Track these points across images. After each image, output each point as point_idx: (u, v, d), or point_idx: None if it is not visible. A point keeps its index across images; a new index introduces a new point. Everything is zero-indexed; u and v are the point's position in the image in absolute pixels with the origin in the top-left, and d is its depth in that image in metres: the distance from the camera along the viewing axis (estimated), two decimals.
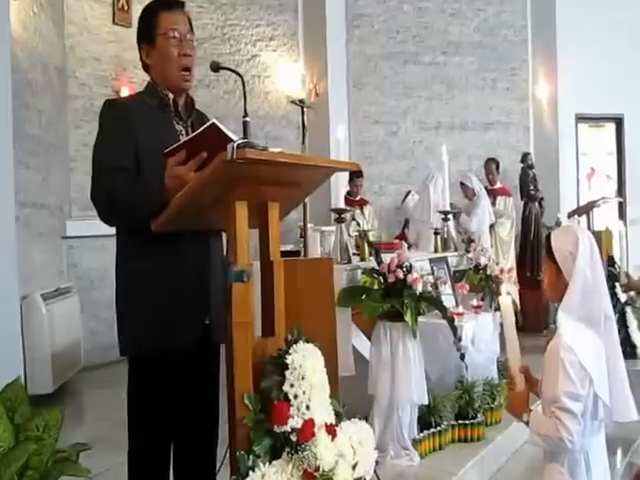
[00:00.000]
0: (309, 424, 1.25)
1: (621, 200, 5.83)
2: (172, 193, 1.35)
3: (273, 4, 5.28)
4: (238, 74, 1.51)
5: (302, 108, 2.53)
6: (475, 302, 2.88)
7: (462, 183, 4.77)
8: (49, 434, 1.41)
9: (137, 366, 1.50)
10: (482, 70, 5.59)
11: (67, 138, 4.32)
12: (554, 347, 1.25)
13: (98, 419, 3.11)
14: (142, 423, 1.49)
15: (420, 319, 2.31)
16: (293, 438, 1.25)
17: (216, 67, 1.56)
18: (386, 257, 2.34)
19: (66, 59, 4.41)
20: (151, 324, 1.45)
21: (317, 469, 1.23)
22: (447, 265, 2.99)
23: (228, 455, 1.34)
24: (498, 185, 5.17)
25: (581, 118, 5.84)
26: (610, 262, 3.84)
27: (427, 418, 2.37)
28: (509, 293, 3.16)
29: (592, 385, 1.23)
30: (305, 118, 2.55)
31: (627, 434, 2.48)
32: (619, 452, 2.55)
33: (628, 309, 3.82)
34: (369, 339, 2.35)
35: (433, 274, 2.71)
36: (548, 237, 1.35)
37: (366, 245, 2.58)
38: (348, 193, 4.76)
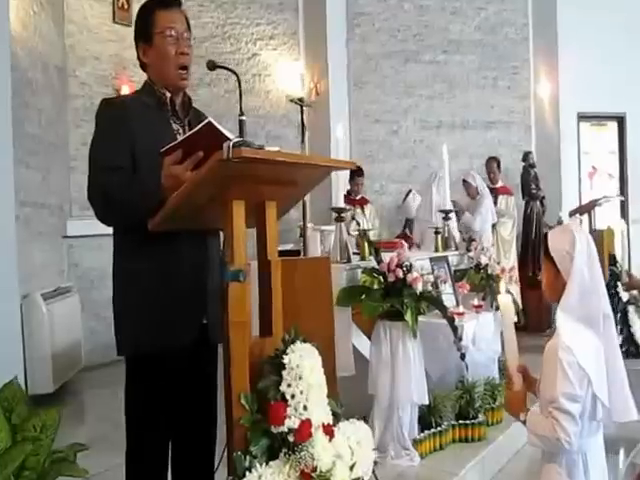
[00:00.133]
0: (306, 424, 1.24)
1: (623, 199, 5.81)
2: (169, 192, 1.35)
3: (273, 3, 5.27)
4: (234, 72, 1.51)
5: (301, 107, 2.52)
6: (476, 302, 2.87)
7: (465, 181, 4.75)
8: (46, 434, 1.40)
9: (134, 365, 1.50)
10: (483, 69, 5.57)
11: (67, 137, 4.32)
12: (553, 347, 1.25)
13: (98, 419, 3.11)
14: (140, 422, 1.48)
15: (420, 319, 2.30)
16: (290, 438, 1.24)
17: (212, 66, 1.55)
18: (386, 256, 2.33)
19: (66, 58, 4.41)
20: (148, 323, 1.45)
21: (314, 470, 1.23)
22: (448, 264, 2.98)
23: (226, 455, 1.33)
24: (499, 184, 5.15)
25: (583, 117, 5.82)
26: (612, 261, 3.82)
27: (427, 418, 2.36)
28: (509, 292, 3.15)
29: (590, 386, 1.22)
30: (304, 117, 2.54)
31: (629, 434, 2.46)
32: (621, 452, 2.54)
33: (630, 308, 3.80)
34: (369, 339, 2.34)
35: (433, 273, 2.70)
36: (545, 237, 1.34)
37: (366, 244, 2.57)
38: (349, 192, 4.75)
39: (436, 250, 3.18)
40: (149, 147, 1.42)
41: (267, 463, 1.24)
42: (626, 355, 3.61)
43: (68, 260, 4.23)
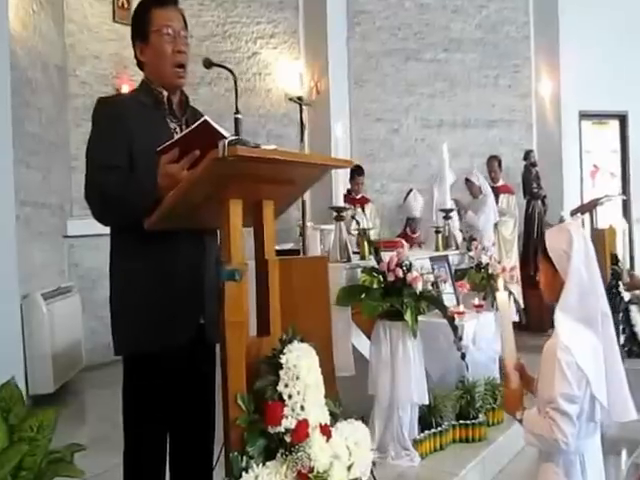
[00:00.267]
0: (303, 425, 1.23)
1: (625, 198, 5.77)
2: (165, 191, 1.34)
3: (274, 1, 5.26)
4: (230, 71, 1.50)
5: (300, 105, 2.51)
6: (476, 301, 2.85)
7: (468, 180, 4.73)
8: (43, 434, 1.40)
9: (132, 365, 1.49)
10: (484, 67, 5.55)
11: (68, 137, 4.32)
12: (551, 347, 1.24)
13: (99, 419, 3.10)
14: (137, 422, 1.48)
15: (420, 318, 2.29)
16: (287, 439, 1.23)
17: (208, 64, 1.54)
18: (387, 256, 2.32)
19: (66, 57, 4.42)
20: (145, 323, 1.44)
21: (311, 470, 1.22)
22: (448, 263, 2.97)
23: (223, 456, 1.33)
24: (500, 183, 5.13)
25: (584, 115, 5.79)
26: (613, 260, 3.80)
27: (428, 418, 2.35)
28: (508, 290, 3.14)
29: (589, 386, 1.22)
30: (303, 115, 2.54)
31: (631, 435, 2.44)
32: (624, 453, 2.52)
33: (633, 307, 3.77)
34: (369, 338, 2.33)
35: (433, 273, 2.68)
36: (543, 236, 1.33)
37: (366, 243, 2.56)
38: (349, 191, 4.73)
39: (437, 249, 3.17)
40: (146, 146, 1.41)
41: (264, 464, 1.23)
42: (628, 355, 3.58)
43: (69, 260, 4.23)
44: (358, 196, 4.89)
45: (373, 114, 5.39)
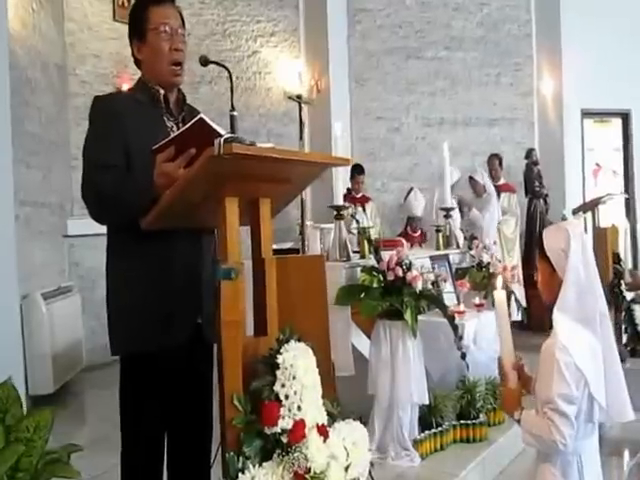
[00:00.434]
0: (300, 425, 1.22)
1: (628, 196, 5.73)
2: (161, 190, 1.34)
3: None
4: (226, 68, 1.49)
5: (299, 104, 2.50)
6: (477, 300, 2.84)
7: (472, 178, 4.71)
8: (39, 435, 1.39)
9: (129, 365, 1.49)
10: (486, 65, 5.52)
11: (68, 136, 4.32)
12: (550, 347, 1.23)
13: (99, 420, 3.08)
14: (134, 421, 1.47)
15: (421, 318, 2.28)
16: (284, 439, 1.22)
17: (205, 61, 1.53)
18: (387, 255, 2.30)
19: (66, 56, 4.41)
20: (142, 323, 1.44)
21: (308, 471, 1.21)
22: (448, 262, 2.95)
23: (220, 456, 1.32)
24: (502, 181, 5.11)
25: (586, 113, 5.75)
26: (615, 259, 3.77)
27: (428, 418, 2.34)
28: (509, 290, 3.10)
29: (587, 387, 1.21)
30: (303, 114, 2.53)
31: (633, 436, 2.42)
32: (626, 454, 2.50)
33: (636, 307, 3.75)
34: (369, 338, 2.32)
35: (434, 272, 2.67)
36: (541, 235, 1.32)
37: (366, 242, 2.55)
38: (349, 190, 4.72)
39: (437, 248, 3.15)
40: (142, 145, 1.41)
41: (260, 464, 1.22)
42: (631, 354, 3.56)
43: (69, 259, 4.23)
44: (358, 195, 4.87)
45: (374, 113, 5.37)
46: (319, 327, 1.77)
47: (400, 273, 2.22)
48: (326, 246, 2.66)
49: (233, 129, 1.41)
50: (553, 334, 1.23)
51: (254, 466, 1.21)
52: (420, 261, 2.58)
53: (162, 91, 1.52)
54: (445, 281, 2.70)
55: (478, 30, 5.53)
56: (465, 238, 3.27)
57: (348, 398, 1.98)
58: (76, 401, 3.53)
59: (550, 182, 5.28)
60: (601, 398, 1.22)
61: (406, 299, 2.19)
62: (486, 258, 3.04)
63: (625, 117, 5.91)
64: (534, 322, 4.25)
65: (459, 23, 5.49)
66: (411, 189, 4.99)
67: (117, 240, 1.50)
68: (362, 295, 2.25)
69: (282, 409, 1.23)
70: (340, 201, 2.54)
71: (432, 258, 2.85)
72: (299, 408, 1.24)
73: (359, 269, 2.38)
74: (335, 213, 2.48)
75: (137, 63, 1.57)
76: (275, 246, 2.49)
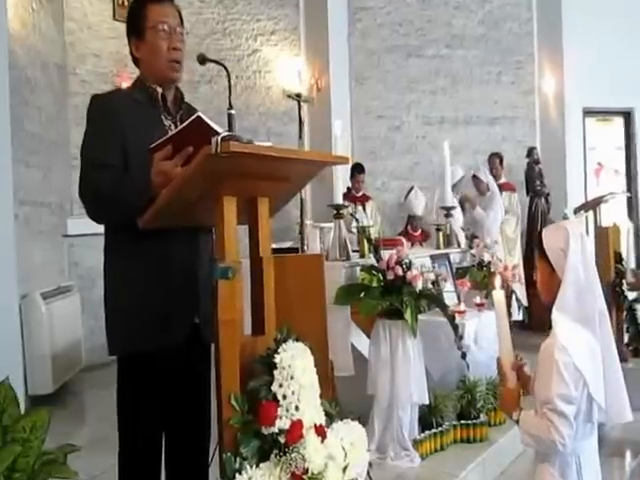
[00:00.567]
0: (297, 425, 1.21)
1: (630, 195, 5.70)
2: (159, 189, 1.33)
3: None
4: (223, 66, 1.48)
5: (299, 102, 2.49)
6: (478, 300, 2.82)
7: (476, 177, 4.68)
8: (36, 435, 1.38)
9: (126, 365, 1.49)
10: (487, 63, 5.50)
11: (68, 135, 4.32)
12: (549, 347, 1.21)
13: (98, 420, 3.07)
14: (132, 422, 1.47)
15: (421, 317, 2.27)
16: (281, 440, 1.21)
17: (203, 59, 1.53)
18: (387, 254, 2.29)
19: (66, 56, 4.41)
20: (140, 323, 1.43)
21: (305, 472, 1.20)
22: (449, 262, 2.94)
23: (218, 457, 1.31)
24: (502, 180, 5.08)
25: (588, 112, 5.73)
26: (617, 259, 3.75)
27: (428, 418, 2.32)
28: (510, 289, 3.08)
29: (586, 387, 1.19)
30: (302, 112, 2.52)
31: (635, 436, 2.40)
32: (627, 454, 2.48)
33: (639, 307, 3.73)
34: (369, 337, 2.31)
35: (434, 271, 2.65)
36: (540, 235, 1.30)
37: (365, 242, 2.53)
38: (349, 189, 4.71)
39: (437, 247, 3.13)
40: (140, 143, 1.40)
41: (257, 465, 1.21)
42: (634, 354, 3.54)
43: (68, 259, 4.22)
44: (359, 194, 4.86)
45: (374, 111, 5.35)
46: (317, 326, 1.76)
47: (400, 272, 2.21)
48: (326, 245, 2.65)
49: (231, 127, 1.40)
50: (552, 334, 1.22)
51: (251, 467, 1.20)
52: (420, 260, 2.57)
53: (160, 90, 1.52)
54: (445, 280, 2.69)
55: (479, 28, 5.50)
56: (466, 237, 3.25)
57: (348, 398, 1.97)
58: (75, 401, 3.52)
59: (551, 181, 5.26)
60: (600, 398, 1.21)
61: (406, 298, 2.18)
62: (487, 257, 3.02)
63: (628, 116, 5.88)
64: (535, 322, 4.23)
65: (460, 21, 5.47)
66: (412, 188, 4.98)
67: (114, 239, 1.49)
68: (362, 294, 2.24)
69: (279, 409, 1.22)
70: (340, 200, 2.53)
71: (432, 257, 2.84)
72: (297, 408, 1.23)
73: (359, 268, 2.37)
74: (335, 212, 2.47)
75: (135, 61, 1.57)
76: (274, 245, 2.48)
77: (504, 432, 2.47)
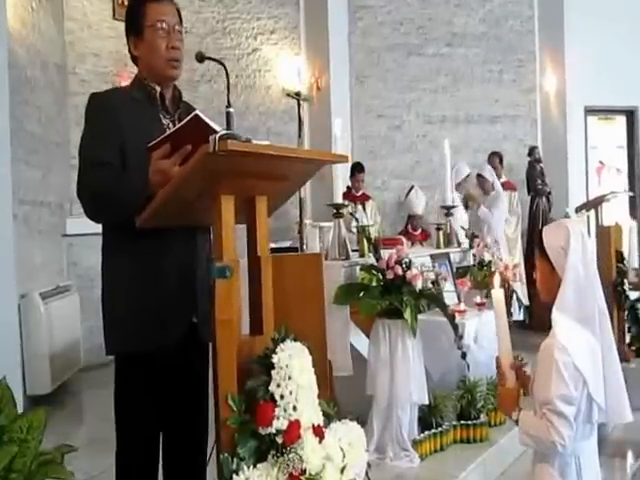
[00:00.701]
0: (295, 426, 1.20)
1: (632, 194, 5.68)
2: (157, 188, 1.32)
3: None
4: (222, 64, 1.47)
5: (298, 101, 2.48)
6: (478, 299, 2.81)
7: (480, 176, 4.65)
8: (32, 436, 1.37)
9: (124, 365, 1.48)
10: (488, 62, 5.48)
11: (68, 135, 4.31)
12: (548, 347, 1.20)
13: (97, 420, 3.05)
14: (130, 422, 1.46)
15: (421, 317, 2.26)
16: (279, 440, 1.20)
17: (201, 57, 1.51)
18: (387, 253, 2.28)
19: (66, 55, 4.40)
20: (137, 322, 1.43)
21: (303, 472, 1.19)
22: (449, 261, 2.93)
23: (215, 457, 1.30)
24: (503, 179, 5.06)
25: (590, 110, 5.70)
26: (619, 258, 3.73)
27: (428, 418, 2.31)
28: (511, 289, 3.07)
29: (586, 387, 1.18)
30: (302, 111, 2.51)
31: (637, 437, 2.39)
32: (629, 455, 2.47)
33: None
34: (368, 337, 2.30)
35: (434, 270, 2.64)
36: (540, 233, 1.29)
37: (365, 241, 2.52)
38: (349, 188, 4.69)
39: (438, 247, 3.12)
40: (138, 142, 1.40)
41: (255, 465, 1.20)
42: (636, 354, 3.52)
43: (67, 259, 4.22)
44: (358, 193, 4.85)
45: (374, 110, 5.33)
46: (316, 326, 1.75)
47: (400, 272, 2.20)
48: (325, 245, 2.64)
49: (229, 126, 1.39)
50: (552, 334, 1.21)
51: (248, 467, 1.19)
52: (420, 259, 2.56)
53: (158, 88, 1.51)
54: (445, 280, 2.67)
55: (480, 26, 5.48)
56: (466, 236, 3.24)
57: (346, 398, 1.96)
58: (74, 401, 3.51)
59: (553, 180, 5.24)
60: (600, 399, 1.20)
61: (406, 298, 2.17)
62: (487, 256, 3.01)
63: (631, 114, 5.85)
64: (535, 322, 4.21)
65: (461, 19, 5.45)
66: (412, 187, 4.97)
67: (112, 239, 1.49)
68: (361, 294, 2.23)
69: (277, 409, 1.21)
70: (339, 199, 2.51)
71: (432, 256, 2.83)
72: (294, 408, 1.22)
73: (358, 268, 2.36)
74: (334, 211, 2.46)
75: (133, 59, 1.56)
76: (274, 245, 2.48)
77: (504, 432, 2.46)
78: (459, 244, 3.25)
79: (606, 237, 3.80)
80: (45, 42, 4.03)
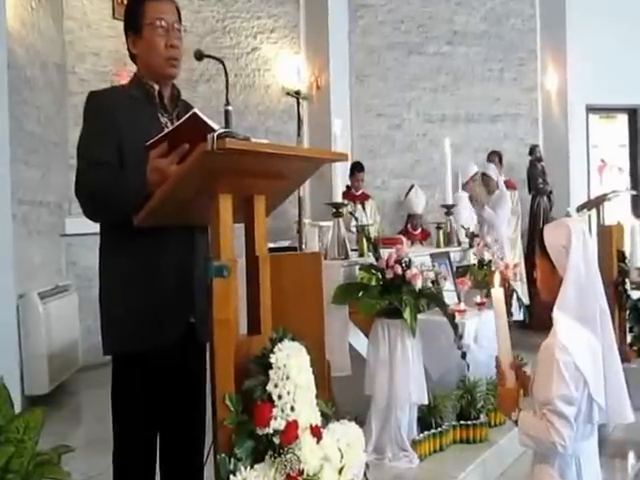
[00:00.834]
0: (292, 426, 1.19)
1: (635, 193, 5.65)
2: (155, 187, 1.32)
3: None
4: (220, 61, 1.46)
5: (297, 100, 2.47)
6: (479, 299, 2.80)
7: (485, 174, 4.63)
8: (29, 436, 1.37)
9: (121, 365, 1.48)
10: (489, 60, 5.46)
11: (67, 134, 4.30)
12: (549, 347, 1.19)
13: (95, 420, 3.04)
14: (127, 422, 1.46)
15: (421, 316, 2.25)
16: (276, 440, 1.19)
17: (200, 55, 1.51)
18: (386, 253, 2.27)
19: (65, 55, 4.39)
20: (134, 322, 1.42)
21: (301, 473, 1.18)
22: (449, 260, 2.92)
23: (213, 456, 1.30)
24: (503, 178, 5.04)
25: (592, 109, 5.68)
26: (620, 257, 3.72)
27: (427, 418, 2.30)
28: (512, 288, 3.05)
29: (587, 387, 1.17)
30: (302, 110, 2.50)
31: (638, 437, 2.37)
32: (630, 455, 2.45)
33: None
34: (367, 337, 2.29)
35: (434, 269, 2.63)
36: (541, 232, 1.28)
37: (365, 240, 2.51)
38: (349, 188, 4.68)
39: (438, 246, 3.11)
40: (136, 141, 1.39)
41: (252, 466, 1.19)
42: (638, 354, 3.50)
43: (66, 258, 4.21)
44: (358, 192, 4.84)
45: (374, 109, 5.32)
46: (315, 326, 1.74)
47: (399, 271, 2.19)
48: (324, 244, 2.63)
49: (228, 124, 1.38)
50: (552, 333, 1.19)
51: (245, 468, 1.19)
52: (420, 259, 2.55)
53: (156, 87, 1.51)
54: (445, 279, 2.66)
55: (481, 25, 5.46)
56: (466, 235, 3.23)
57: (345, 398, 1.95)
58: (72, 401, 3.49)
59: (554, 179, 5.22)
60: (600, 399, 1.18)
61: (405, 297, 2.16)
62: (487, 256, 3.00)
63: (633, 113, 5.83)
64: (535, 321, 4.19)
65: (462, 18, 5.43)
66: (412, 186, 4.95)
67: (110, 238, 1.48)
68: (360, 294, 2.22)
69: (275, 410, 1.20)
70: (339, 198, 2.50)
71: (432, 256, 2.81)
72: (292, 409, 1.21)
73: (357, 267, 2.35)
74: (334, 211, 2.45)
75: (132, 58, 1.56)
76: (273, 244, 2.47)
77: (504, 433, 2.45)
78: (459, 243, 3.24)
79: (607, 236, 3.78)
80: (45, 41, 4.02)
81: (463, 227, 3.29)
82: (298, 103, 2.46)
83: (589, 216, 4.64)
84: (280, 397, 1.21)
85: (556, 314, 1.21)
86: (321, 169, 1.49)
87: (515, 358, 1.33)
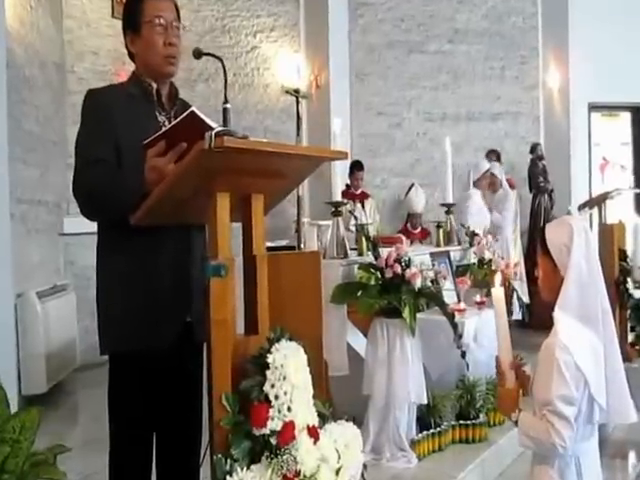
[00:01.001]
0: (289, 426, 1.18)
1: (638, 191, 5.63)
2: (152, 186, 1.31)
3: None
4: (219, 59, 1.46)
5: (297, 98, 2.46)
6: (478, 298, 2.79)
7: (491, 173, 4.60)
8: (25, 436, 1.36)
9: (117, 365, 1.47)
10: (490, 58, 5.44)
11: (66, 134, 4.29)
12: (550, 346, 1.18)
13: (92, 420, 3.03)
14: (123, 422, 1.45)
15: (420, 315, 2.24)
16: (273, 441, 1.18)
17: (198, 54, 1.50)
18: (386, 252, 2.26)
19: (64, 54, 4.38)
20: (131, 322, 1.42)
21: (297, 474, 1.17)
22: (449, 259, 2.90)
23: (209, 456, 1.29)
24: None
25: (594, 107, 5.66)
26: (622, 256, 3.70)
27: (427, 418, 2.29)
28: (512, 287, 3.03)
29: (587, 387, 1.16)
30: (301, 109, 2.49)
31: (638, 437, 2.36)
32: (631, 456, 2.44)
33: None
34: (366, 336, 2.28)
35: (433, 269, 2.62)
36: (542, 230, 1.27)
37: (364, 239, 2.50)
38: (348, 186, 4.67)
39: (437, 245, 3.10)
40: (133, 139, 1.39)
41: (248, 467, 1.19)
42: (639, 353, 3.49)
43: (65, 258, 4.20)
44: (357, 191, 4.83)
45: (374, 108, 5.30)
46: (313, 325, 1.73)
47: (399, 270, 2.18)
48: (323, 243, 2.62)
49: (226, 122, 1.37)
50: (553, 332, 1.18)
51: (242, 468, 1.18)
52: (420, 258, 2.54)
53: (154, 85, 1.50)
54: (445, 278, 2.65)
55: (483, 23, 5.43)
56: (466, 234, 3.21)
57: (342, 398, 1.94)
58: (69, 401, 3.48)
59: (555, 177, 5.20)
60: (601, 399, 1.17)
61: (404, 297, 2.15)
62: (488, 255, 2.99)
63: (636, 111, 5.80)
64: (535, 320, 4.18)
65: (463, 16, 5.40)
66: (412, 185, 4.94)
67: (107, 237, 1.48)
68: (359, 293, 2.21)
69: (271, 410, 1.20)
70: (338, 197, 2.49)
71: (432, 255, 2.80)
72: (289, 409, 1.20)
73: (356, 267, 2.34)
74: (333, 210, 2.44)
75: (130, 56, 1.56)
76: (271, 244, 2.46)
77: (504, 433, 2.44)
78: (459, 242, 3.23)
79: (609, 235, 3.76)
80: (44, 41, 4.01)
81: (463, 226, 3.28)
82: (297, 102, 2.44)
83: (590, 215, 4.62)
84: (277, 397, 1.21)
85: (557, 313, 1.20)
86: (320, 168, 1.48)
87: (515, 357, 1.32)
